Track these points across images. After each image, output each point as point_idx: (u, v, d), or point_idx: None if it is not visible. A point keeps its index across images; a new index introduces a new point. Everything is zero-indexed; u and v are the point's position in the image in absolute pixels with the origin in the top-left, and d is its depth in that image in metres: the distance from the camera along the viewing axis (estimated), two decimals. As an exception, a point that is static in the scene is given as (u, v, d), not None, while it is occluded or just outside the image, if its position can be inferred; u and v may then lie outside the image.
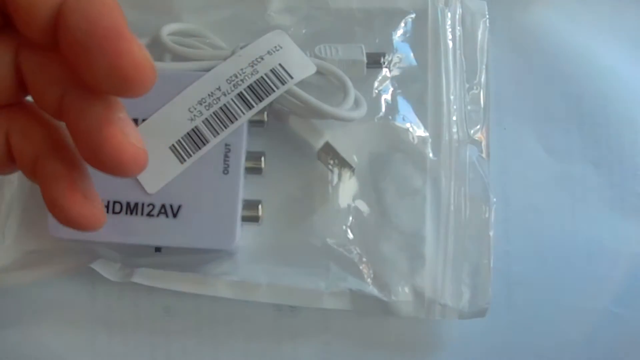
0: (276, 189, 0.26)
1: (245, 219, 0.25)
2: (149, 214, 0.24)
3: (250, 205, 0.25)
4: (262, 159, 0.25)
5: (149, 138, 0.22)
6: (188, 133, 0.24)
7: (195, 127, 0.24)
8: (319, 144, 0.26)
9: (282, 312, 0.28)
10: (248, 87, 0.24)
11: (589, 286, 0.28)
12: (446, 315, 0.25)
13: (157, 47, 0.26)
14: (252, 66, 0.24)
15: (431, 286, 0.25)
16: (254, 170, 0.25)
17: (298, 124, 0.26)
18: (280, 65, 0.25)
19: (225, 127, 0.24)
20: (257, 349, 0.27)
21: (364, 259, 0.26)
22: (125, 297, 0.27)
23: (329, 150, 0.26)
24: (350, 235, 0.26)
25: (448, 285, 0.25)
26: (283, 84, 0.24)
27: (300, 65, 0.25)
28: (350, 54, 0.26)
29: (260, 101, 0.24)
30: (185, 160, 0.24)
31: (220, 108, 0.24)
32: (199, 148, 0.24)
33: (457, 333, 0.28)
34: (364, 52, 0.27)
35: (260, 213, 0.25)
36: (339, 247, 0.26)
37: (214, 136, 0.24)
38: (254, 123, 0.26)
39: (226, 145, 0.24)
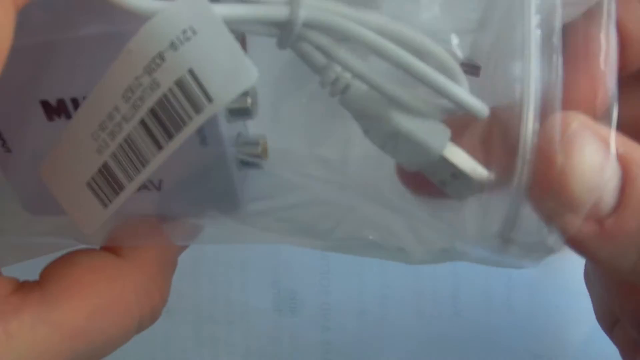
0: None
1: (245, 164, 0.19)
2: None
3: (250, 144, 0.19)
4: (248, 99, 0.18)
5: (62, 168, 0.18)
6: (100, 170, 0.17)
7: (105, 163, 0.17)
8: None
9: (282, 312, 0.28)
10: (150, 111, 0.15)
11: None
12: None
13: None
14: (149, 73, 0.15)
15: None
16: (240, 112, 0.19)
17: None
18: (190, 72, 0.14)
19: (138, 171, 0.16)
20: (257, 349, 0.27)
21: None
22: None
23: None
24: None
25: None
26: (197, 112, 0.15)
27: (229, 72, 0.14)
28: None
29: (170, 138, 0.16)
30: (107, 206, 0.18)
31: (125, 140, 0.16)
32: (117, 194, 0.17)
33: (457, 332, 0.28)
34: None
35: (263, 155, 0.19)
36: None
37: (129, 181, 0.17)
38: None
39: None
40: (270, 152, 0.20)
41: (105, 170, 0.17)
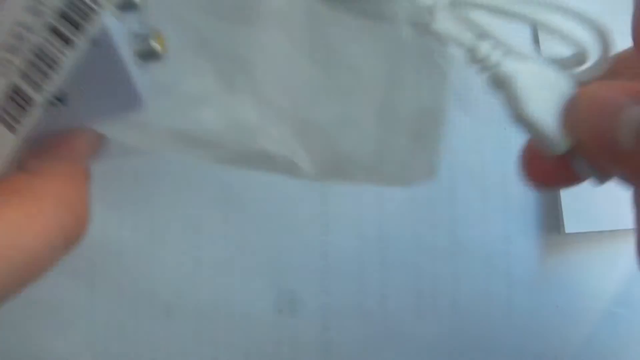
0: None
1: (143, 59, 0.19)
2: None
3: (142, 38, 0.19)
4: None
5: None
6: (5, 93, 0.17)
7: (11, 83, 0.17)
8: None
9: (282, 312, 0.28)
10: (58, 13, 0.16)
11: (589, 286, 0.28)
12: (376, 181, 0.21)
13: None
14: None
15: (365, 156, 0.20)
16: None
17: None
18: None
19: (48, 77, 0.17)
20: (257, 349, 0.27)
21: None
22: (125, 297, 0.27)
23: None
24: None
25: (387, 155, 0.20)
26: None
27: None
28: None
29: (79, 30, 0.16)
30: (16, 129, 0.18)
31: (31, 51, 0.17)
32: (25, 110, 0.17)
33: (457, 332, 0.28)
34: None
35: (158, 48, 0.19)
36: None
37: (39, 92, 0.17)
38: None
39: None
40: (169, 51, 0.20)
41: (11, 91, 0.17)
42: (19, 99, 0.17)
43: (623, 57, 0.19)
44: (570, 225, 0.28)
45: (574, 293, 0.28)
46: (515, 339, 0.28)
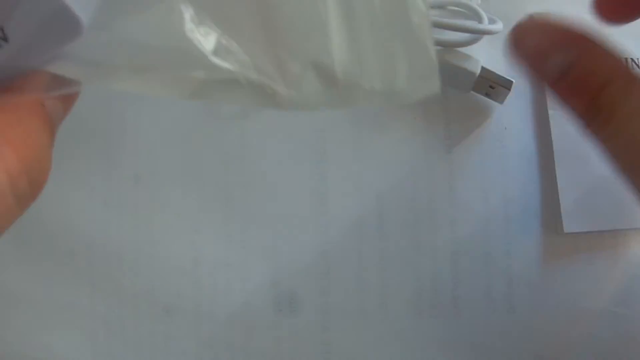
0: None
1: None
2: None
3: None
4: None
5: None
6: None
7: None
8: (476, 70, 0.27)
9: (282, 312, 0.28)
10: None
11: (589, 286, 0.28)
12: (373, 100, 0.18)
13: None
14: None
15: (344, 64, 0.17)
16: None
17: (452, 55, 0.27)
18: None
19: None
20: (257, 349, 0.27)
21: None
22: (125, 297, 0.27)
23: (487, 75, 0.27)
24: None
25: (371, 61, 0.17)
26: None
27: None
28: None
29: None
30: None
31: None
32: None
33: (457, 332, 0.28)
34: None
35: None
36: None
37: None
38: None
39: None
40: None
41: None
42: None
43: None
44: (570, 225, 0.28)
45: (574, 293, 0.28)
46: (515, 339, 0.28)
